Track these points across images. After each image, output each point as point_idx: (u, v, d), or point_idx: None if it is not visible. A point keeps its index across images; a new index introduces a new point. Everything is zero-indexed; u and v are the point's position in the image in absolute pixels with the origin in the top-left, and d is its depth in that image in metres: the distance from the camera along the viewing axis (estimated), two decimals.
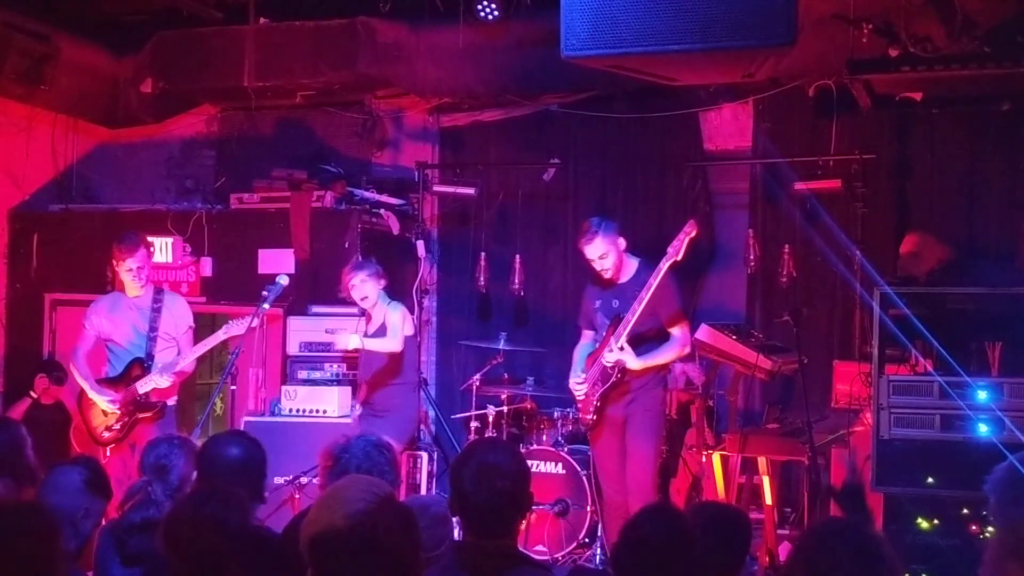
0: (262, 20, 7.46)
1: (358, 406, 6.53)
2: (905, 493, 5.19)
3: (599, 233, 5.54)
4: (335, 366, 7.02)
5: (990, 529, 4.70)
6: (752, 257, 7.08)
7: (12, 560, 2.73)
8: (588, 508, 6.42)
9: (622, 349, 5.41)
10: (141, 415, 5.95)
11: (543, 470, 6.64)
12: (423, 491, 6.70)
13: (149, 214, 7.88)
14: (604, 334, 5.60)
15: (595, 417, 5.66)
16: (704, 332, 6.17)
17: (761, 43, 5.20)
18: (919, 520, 5.18)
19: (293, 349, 7.05)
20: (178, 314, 6.19)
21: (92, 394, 6.00)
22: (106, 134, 8.55)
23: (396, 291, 6.84)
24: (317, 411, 6.65)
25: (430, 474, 6.88)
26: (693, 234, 5.40)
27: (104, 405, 5.96)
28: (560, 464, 6.67)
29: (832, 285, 7.17)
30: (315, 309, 7.16)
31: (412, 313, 6.71)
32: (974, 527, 5.01)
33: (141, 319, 6.09)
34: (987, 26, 5.64)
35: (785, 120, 7.33)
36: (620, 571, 2.90)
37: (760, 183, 7.37)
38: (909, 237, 6.76)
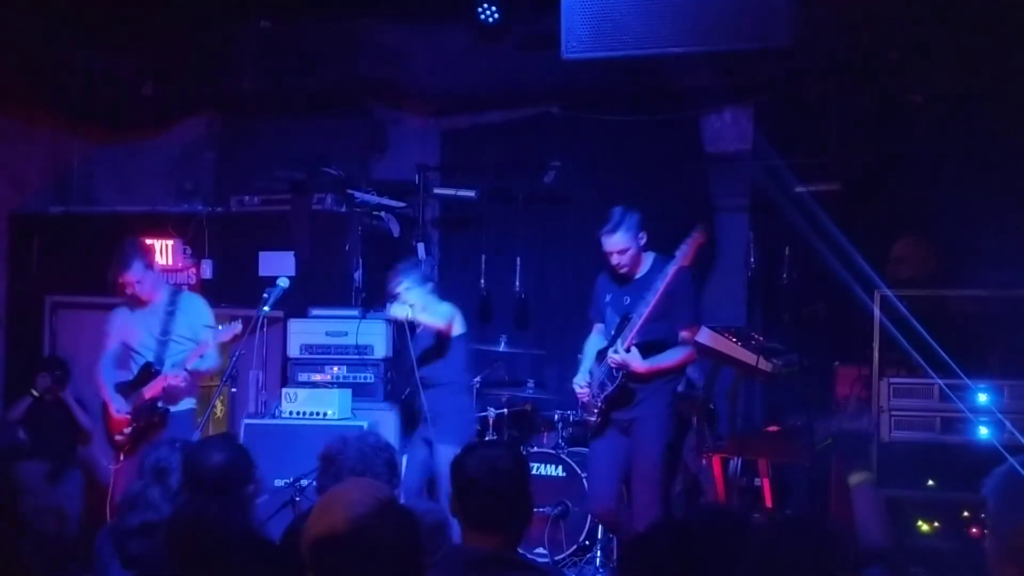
0: (263, 23, 7.47)
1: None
2: (906, 496, 5.19)
3: (621, 226, 5.37)
4: (336, 368, 7.01)
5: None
6: (752, 259, 7.08)
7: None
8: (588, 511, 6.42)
9: (628, 351, 5.31)
10: (149, 421, 5.94)
11: (543, 473, 6.64)
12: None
13: (149, 216, 7.86)
14: (612, 332, 5.50)
15: (600, 420, 5.55)
16: (704, 334, 6.14)
17: (761, 45, 5.21)
18: (920, 522, 5.18)
19: (294, 352, 7.04)
20: (194, 315, 6.08)
21: (106, 400, 6.01)
22: (107, 136, 8.54)
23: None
24: (318, 414, 6.65)
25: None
26: (702, 241, 5.25)
27: (112, 411, 5.97)
28: (560, 467, 6.67)
29: (832, 288, 7.16)
30: (315, 312, 7.15)
31: None
32: (974, 530, 5.01)
33: (155, 322, 6.05)
34: None
35: (785, 123, 7.33)
36: None
37: (760, 185, 7.37)
38: (898, 242, 6.77)
